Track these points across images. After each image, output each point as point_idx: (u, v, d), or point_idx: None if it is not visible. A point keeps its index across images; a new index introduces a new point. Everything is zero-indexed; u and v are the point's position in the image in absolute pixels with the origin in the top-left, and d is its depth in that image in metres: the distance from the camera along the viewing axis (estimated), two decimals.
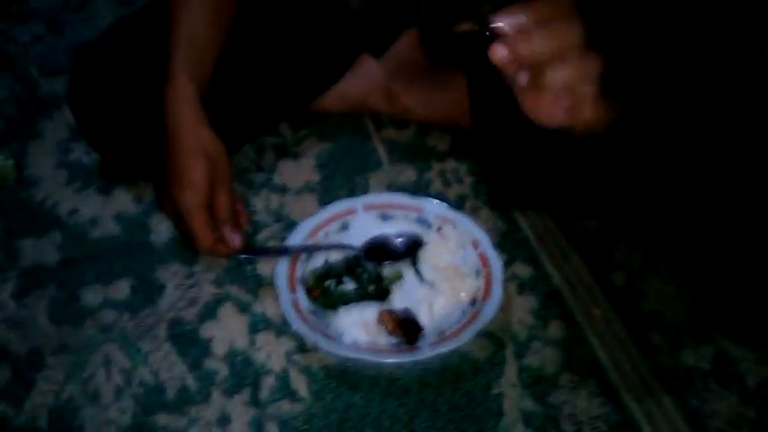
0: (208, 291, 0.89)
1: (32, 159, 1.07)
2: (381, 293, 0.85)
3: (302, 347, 0.83)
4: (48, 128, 1.12)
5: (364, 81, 1.05)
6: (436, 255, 0.88)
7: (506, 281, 0.86)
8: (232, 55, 0.91)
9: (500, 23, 0.56)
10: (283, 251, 0.88)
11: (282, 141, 1.07)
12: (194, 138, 0.84)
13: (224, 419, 0.77)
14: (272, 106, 1.03)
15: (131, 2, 1.36)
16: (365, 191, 1.00)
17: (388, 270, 0.87)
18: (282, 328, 0.84)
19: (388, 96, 1.06)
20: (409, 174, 1.03)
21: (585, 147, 0.82)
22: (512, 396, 0.78)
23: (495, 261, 0.86)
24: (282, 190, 1.01)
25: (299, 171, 1.04)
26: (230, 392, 0.79)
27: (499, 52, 0.56)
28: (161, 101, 0.85)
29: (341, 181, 1.02)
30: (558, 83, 0.57)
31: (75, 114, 1.02)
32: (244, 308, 0.87)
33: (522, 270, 0.90)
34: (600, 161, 0.89)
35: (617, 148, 0.86)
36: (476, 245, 0.88)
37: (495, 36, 0.56)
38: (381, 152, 1.06)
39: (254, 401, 0.79)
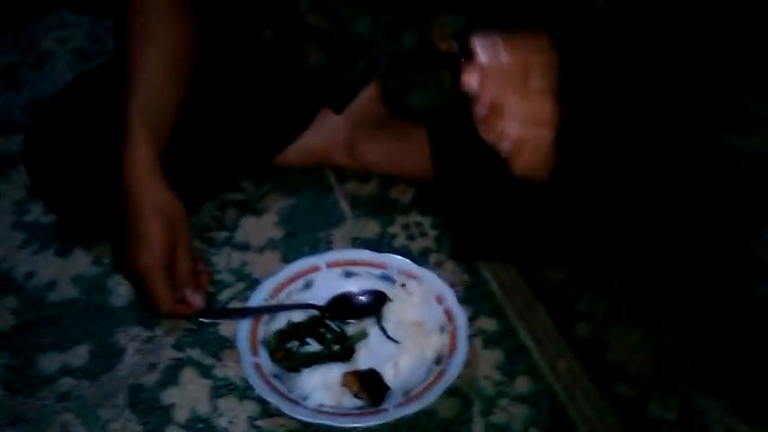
0: (168, 355, 0.87)
1: None
2: (346, 353, 0.83)
3: (266, 412, 0.81)
4: (3, 188, 1.10)
5: (326, 135, 1.05)
6: (401, 311, 0.87)
7: (472, 336, 0.86)
8: (192, 111, 0.91)
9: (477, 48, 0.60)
10: (245, 312, 0.86)
11: (244, 197, 1.07)
12: (152, 197, 0.83)
13: None
14: (234, 162, 1.03)
15: (89, 59, 1.36)
16: (329, 246, 1.00)
17: (352, 328, 0.86)
18: (245, 392, 0.83)
19: (349, 150, 1.06)
20: (373, 227, 1.03)
21: (545, 192, 0.83)
22: None
23: (460, 316, 0.86)
24: (245, 247, 1.00)
25: (261, 227, 1.03)
26: None
27: (472, 81, 0.60)
28: (118, 161, 0.84)
29: (304, 237, 1.01)
30: (515, 113, 0.61)
31: (30, 174, 1.00)
32: (205, 372, 0.85)
33: (488, 324, 0.90)
34: (559, 208, 0.90)
35: (573, 192, 0.87)
36: (440, 300, 0.88)
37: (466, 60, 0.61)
38: (344, 206, 1.06)
39: None
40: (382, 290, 0.89)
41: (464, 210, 0.97)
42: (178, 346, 0.88)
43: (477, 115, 0.68)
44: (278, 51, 1.02)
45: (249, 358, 0.82)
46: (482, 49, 0.67)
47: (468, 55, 0.67)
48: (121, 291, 0.94)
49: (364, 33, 0.97)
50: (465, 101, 0.70)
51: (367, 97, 1.05)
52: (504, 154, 0.69)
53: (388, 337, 0.85)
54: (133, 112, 0.84)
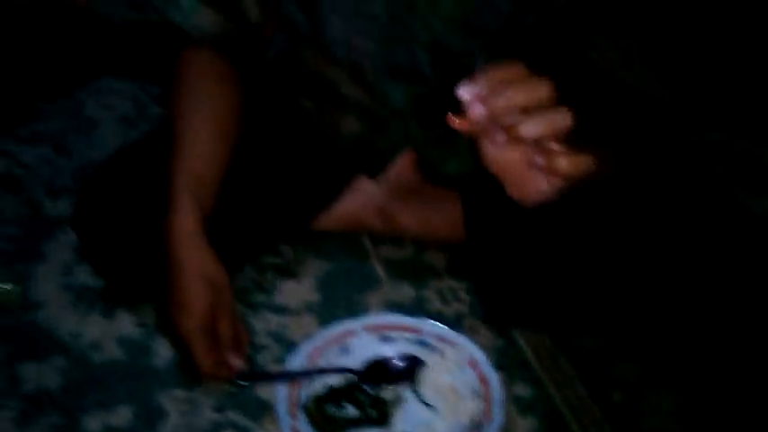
0: (209, 416, 0.89)
1: (36, 281, 1.08)
2: (382, 418, 0.85)
3: None
4: (52, 250, 1.14)
5: (361, 201, 1.08)
6: (436, 376, 0.89)
7: (507, 402, 0.87)
8: (234, 177, 0.95)
9: (472, 89, 0.59)
10: (283, 376, 0.89)
11: (283, 261, 1.10)
12: (195, 263, 0.86)
13: None
14: (273, 227, 1.06)
15: (134, 125, 1.42)
16: (365, 310, 1.02)
17: (388, 393, 0.88)
18: None
19: (384, 216, 1.09)
20: (407, 291, 1.05)
21: (573, 260, 0.84)
22: None
23: (495, 381, 0.87)
24: (283, 310, 1.02)
25: (299, 291, 1.05)
26: None
27: (477, 109, 0.59)
28: (164, 227, 0.88)
29: (340, 300, 1.04)
30: (532, 134, 0.59)
31: (79, 237, 1.04)
32: None
33: (523, 390, 0.91)
34: (588, 275, 0.91)
35: (602, 257, 0.88)
36: (474, 365, 0.89)
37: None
38: (379, 270, 1.08)
39: None
40: (417, 355, 0.91)
41: (496, 277, 0.99)
42: (218, 409, 0.90)
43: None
44: (316, 120, 1.06)
45: (288, 422, 0.83)
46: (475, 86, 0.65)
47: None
48: (163, 353, 0.97)
49: (399, 104, 1.01)
50: None
51: (401, 164, 1.08)
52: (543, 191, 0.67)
53: (424, 402, 0.87)
54: (180, 179, 0.88)
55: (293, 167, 1.05)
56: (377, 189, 1.08)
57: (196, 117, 0.92)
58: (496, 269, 0.98)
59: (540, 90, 0.58)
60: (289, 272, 1.08)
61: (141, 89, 1.52)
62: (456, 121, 0.61)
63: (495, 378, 0.87)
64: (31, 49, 1.56)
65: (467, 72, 0.95)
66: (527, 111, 0.58)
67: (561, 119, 0.58)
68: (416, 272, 1.08)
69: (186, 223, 0.87)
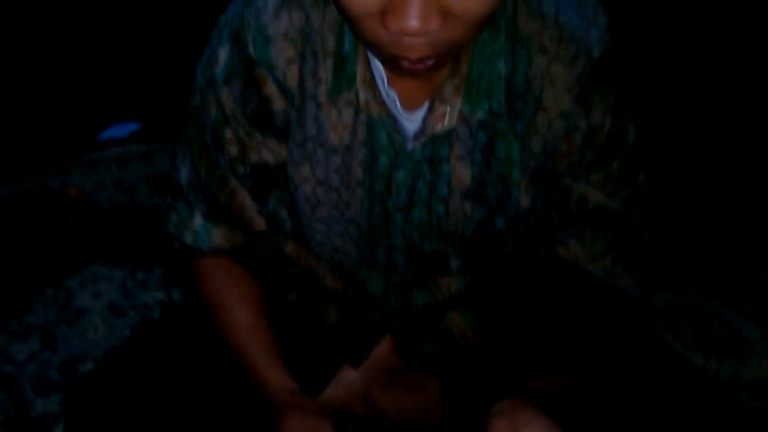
0: None
1: None
2: None
3: None
4: None
5: (344, 390, 1.11)
6: None
7: None
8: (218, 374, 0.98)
9: None
10: None
11: None
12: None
13: None
14: (258, 417, 1.08)
15: (124, 313, 1.46)
16: None
17: None
18: None
19: (366, 402, 1.12)
20: None
21: None
22: None
23: None
24: None
25: None
26: None
27: None
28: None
29: None
30: None
31: None
32: None
33: None
34: None
35: None
36: None
37: None
38: None
39: None
40: None
41: None
42: None
43: None
44: (300, 312, 1.11)
45: None
46: None
47: None
48: None
49: (377, 293, 1.06)
50: (474, 350, 0.76)
51: (382, 351, 1.12)
52: None
53: None
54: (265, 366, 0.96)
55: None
56: (359, 376, 1.11)
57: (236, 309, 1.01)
58: None
59: None
60: None
61: (129, 276, 1.58)
62: None
63: None
64: (20, 239, 1.63)
65: (441, 267, 1.02)
66: None
67: None
68: None
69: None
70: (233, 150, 0.99)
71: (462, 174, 0.94)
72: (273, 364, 0.98)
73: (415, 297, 1.06)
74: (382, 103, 0.91)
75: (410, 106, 0.92)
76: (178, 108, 1.11)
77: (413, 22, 0.72)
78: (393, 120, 0.92)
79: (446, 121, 0.90)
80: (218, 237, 1.03)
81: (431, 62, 0.79)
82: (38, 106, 2.14)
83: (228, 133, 0.98)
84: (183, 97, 1.03)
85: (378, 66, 0.89)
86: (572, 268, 0.98)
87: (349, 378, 1.11)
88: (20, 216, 1.67)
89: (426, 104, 0.91)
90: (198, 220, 1.03)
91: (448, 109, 0.90)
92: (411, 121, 0.92)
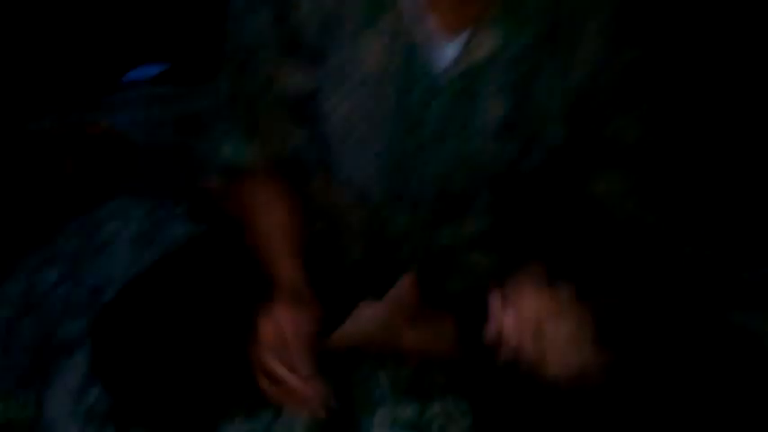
0: None
1: (50, 402, 1.11)
2: None
3: None
4: (65, 372, 1.17)
5: (366, 323, 1.12)
6: None
7: None
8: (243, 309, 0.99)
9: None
10: None
11: None
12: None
13: None
14: None
15: (149, 243, 1.47)
16: (369, 428, 1.04)
17: None
18: None
19: (388, 336, 1.12)
20: (412, 410, 1.07)
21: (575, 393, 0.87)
22: None
23: None
24: (290, 424, 1.05)
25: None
26: None
27: (509, 321, 0.65)
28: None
29: (345, 418, 1.06)
30: (560, 337, 0.65)
31: (95, 356, 1.07)
32: None
33: None
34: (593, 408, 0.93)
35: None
36: None
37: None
38: (384, 389, 1.11)
39: None
40: None
41: (493, 395, 1.02)
42: None
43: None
44: (325, 244, 1.12)
45: None
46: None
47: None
48: None
49: (402, 229, 1.06)
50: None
51: (404, 287, 1.13)
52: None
53: None
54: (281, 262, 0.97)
55: None
56: (381, 311, 1.12)
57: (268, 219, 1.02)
58: (494, 389, 1.00)
59: (561, 292, 0.66)
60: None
61: (155, 210, 1.59)
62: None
63: None
64: (51, 171, 1.64)
65: (468, 204, 1.01)
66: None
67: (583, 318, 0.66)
68: (420, 390, 1.10)
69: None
70: (268, 70, 0.99)
71: (497, 108, 0.93)
72: (289, 264, 0.99)
73: (439, 235, 1.06)
74: (420, 29, 0.90)
75: (450, 33, 0.90)
76: (206, 50, 1.12)
77: None
78: (430, 47, 0.91)
79: (486, 49, 0.89)
80: (254, 152, 1.03)
81: None
82: (69, 46, 2.14)
83: (263, 55, 0.98)
84: (212, 39, 1.04)
85: None
86: (600, 207, 0.97)
87: (369, 312, 1.12)
88: (50, 150, 1.69)
89: (466, 33, 0.90)
90: (235, 136, 1.03)
91: (488, 35, 0.88)
92: (449, 49, 0.91)
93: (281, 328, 0.88)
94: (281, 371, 0.87)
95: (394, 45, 0.90)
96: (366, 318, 1.12)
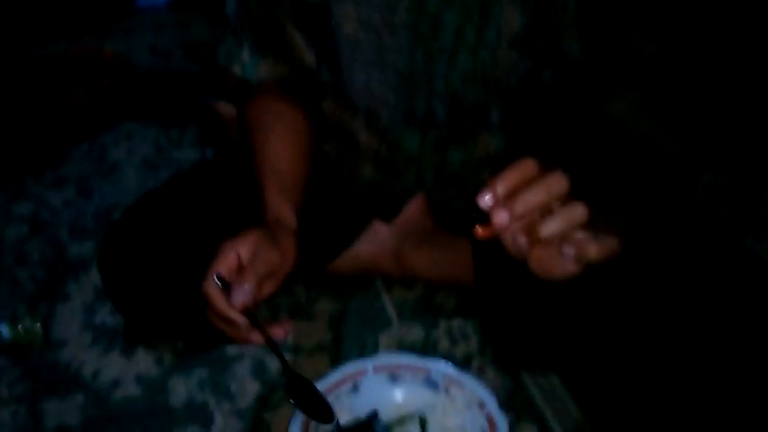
0: None
1: (59, 321, 1.12)
2: None
3: None
4: (74, 290, 1.18)
5: (375, 245, 1.11)
6: (445, 416, 0.91)
7: None
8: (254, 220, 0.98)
9: (492, 197, 0.62)
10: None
11: (296, 301, 1.13)
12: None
13: None
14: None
15: (156, 167, 1.47)
16: (375, 350, 1.04)
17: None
18: None
19: (396, 258, 1.12)
20: (417, 332, 1.08)
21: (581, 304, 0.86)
22: None
23: (502, 422, 0.89)
24: (295, 350, 1.05)
25: (311, 330, 1.08)
26: None
27: (500, 216, 0.62)
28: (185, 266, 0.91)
29: (352, 340, 1.06)
30: (553, 233, 0.63)
31: (103, 275, 1.07)
32: None
33: (529, 430, 0.93)
34: (601, 317, 0.93)
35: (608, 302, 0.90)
36: (482, 406, 0.91)
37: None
38: (390, 311, 1.11)
39: None
40: (426, 395, 0.93)
41: (504, 318, 1.02)
42: None
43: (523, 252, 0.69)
44: (335, 166, 1.10)
45: None
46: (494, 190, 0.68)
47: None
48: (179, 391, 1.00)
49: (413, 150, 1.04)
50: None
51: (414, 208, 1.12)
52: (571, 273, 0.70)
53: None
54: (271, 191, 0.94)
55: (311, 212, 1.09)
56: (390, 234, 1.11)
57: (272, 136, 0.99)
58: (505, 312, 1.00)
59: (555, 186, 0.63)
60: (302, 312, 1.11)
61: (162, 134, 1.58)
62: (480, 231, 0.65)
63: (502, 420, 0.89)
64: (58, 96, 1.63)
65: (481, 122, 0.99)
66: (546, 208, 0.62)
67: (579, 214, 0.63)
68: (427, 313, 1.11)
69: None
70: None
71: (512, 19, 0.90)
72: (278, 194, 0.96)
73: (450, 154, 1.04)
74: None
75: None
76: None
77: None
78: None
79: None
80: (265, 68, 1.02)
81: None
82: None
83: None
84: None
85: None
86: (616, 127, 0.94)
87: (380, 233, 1.11)
88: (58, 75, 1.67)
89: None
90: (246, 52, 1.02)
91: None
92: None
93: (237, 257, 0.85)
94: (220, 304, 0.84)
95: None
96: (376, 239, 1.11)
